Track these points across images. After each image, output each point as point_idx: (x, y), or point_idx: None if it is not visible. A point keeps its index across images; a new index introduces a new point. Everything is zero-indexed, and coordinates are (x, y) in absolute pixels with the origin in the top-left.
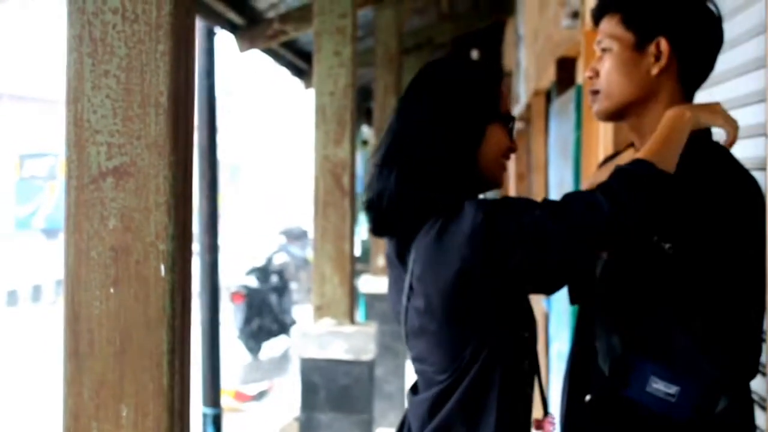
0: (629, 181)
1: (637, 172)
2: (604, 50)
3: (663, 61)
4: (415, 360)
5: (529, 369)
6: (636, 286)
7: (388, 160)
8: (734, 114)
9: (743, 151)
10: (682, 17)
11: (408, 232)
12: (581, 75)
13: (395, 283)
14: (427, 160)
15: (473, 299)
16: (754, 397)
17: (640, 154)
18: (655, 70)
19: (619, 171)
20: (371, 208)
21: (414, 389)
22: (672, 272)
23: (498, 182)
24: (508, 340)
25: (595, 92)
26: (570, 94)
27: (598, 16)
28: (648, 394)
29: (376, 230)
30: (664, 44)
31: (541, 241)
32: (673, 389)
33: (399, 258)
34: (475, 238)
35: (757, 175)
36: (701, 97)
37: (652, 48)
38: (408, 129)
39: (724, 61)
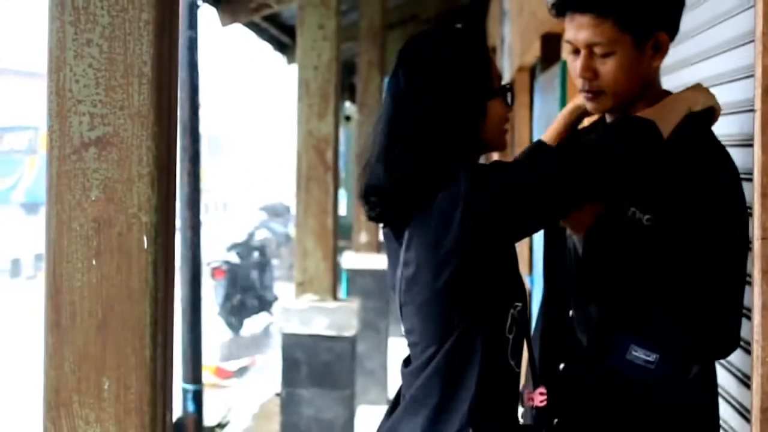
0: (630, 130)
1: (640, 124)
2: (603, 54)
3: (663, 51)
4: (407, 332)
5: (516, 340)
6: (615, 257)
7: (395, 144)
8: (723, 88)
9: (731, 127)
10: (671, 7)
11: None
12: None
13: (392, 257)
14: (436, 142)
15: (464, 269)
16: (738, 374)
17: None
18: (657, 62)
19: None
20: (377, 193)
21: (406, 362)
22: (650, 244)
23: (502, 146)
24: (498, 311)
25: (596, 92)
26: (554, 70)
27: (565, 9)
28: (628, 362)
29: (383, 216)
30: (663, 37)
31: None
32: (652, 357)
33: (396, 232)
34: (465, 200)
35: (745, 150)
36: (690, 72)
37: (650, 42)
38: (412, 110)
39: (713, 36)
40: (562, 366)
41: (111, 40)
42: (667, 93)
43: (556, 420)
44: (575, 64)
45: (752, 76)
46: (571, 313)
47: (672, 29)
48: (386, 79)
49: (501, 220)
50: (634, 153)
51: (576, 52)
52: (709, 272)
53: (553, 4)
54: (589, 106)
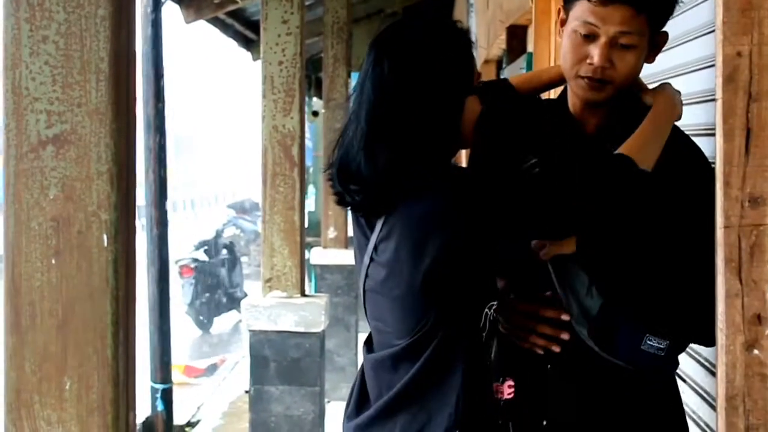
0: (611, 176)
1: (621, 169)
2: (624, 45)
3: (660, 49)
4: (372, 318)
5: (488, 339)
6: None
7: (379, 135)
8: (685, 78)
9: (695, 117)
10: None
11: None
12: (532, 42)
13: (361, 242)
14: (416, 137)
15: (444, 270)
16: (705, 363)
17: (628, 150)
18: (651, 59)
19: (604, 160)
20: (359, 182)
21: (369, 345)
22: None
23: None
24: (474, 310)
25: (605, 82)
26: (520, 62)
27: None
28: (642, 352)
29: (361, 205)
30: (664, 35)
31: (509, 216)
32: (663, 344)
33: (369, 220)
34: (453, 212)
35: (707, 139)
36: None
37: (655, 38)
38: (397, 103)
39: (675, 27)
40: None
41: (67, 36)
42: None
43: (545, 421)
44: (582, 50)
45: (713, 65)
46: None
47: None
48: (354, 73)
49: (480, 236)
50: (617, 203)
51: (588, 37)
52: (704, 258)
53: None
54: (589, 95)
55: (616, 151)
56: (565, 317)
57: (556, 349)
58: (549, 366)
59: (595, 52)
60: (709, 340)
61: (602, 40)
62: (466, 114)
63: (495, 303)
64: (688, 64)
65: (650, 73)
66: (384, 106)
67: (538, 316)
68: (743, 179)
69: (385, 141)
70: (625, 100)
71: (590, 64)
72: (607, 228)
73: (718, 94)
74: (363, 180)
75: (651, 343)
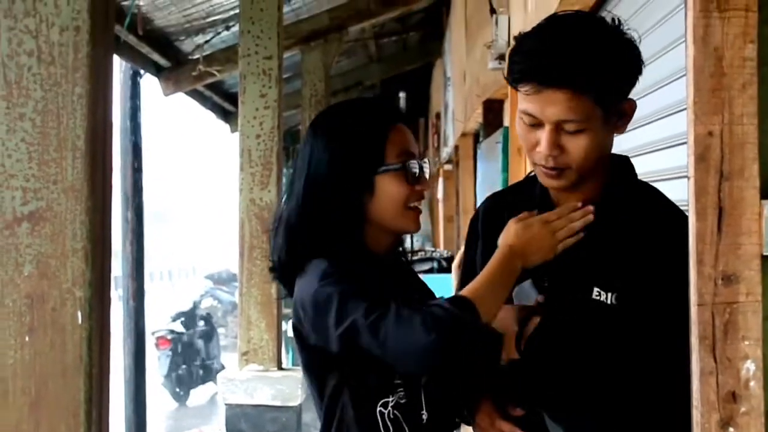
0: (448, 320)
1: (458, 314)
2: (570, 132)
3: (629, 118)
4: None
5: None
6: (580, 349)
7: (281, 216)
8: (659, 155)
9: (668, 193)
10: (638, 75)
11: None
12: (508, 116)
13: None
14: (318, 213)
15: (314, 357)
16: None
17: (470, 293)
18: (622, 130)
19: (443, 305)
20: (273, 255)
21: None
22: (618, 326)
23: (407, 230)
24: (362, 407)
25: (561, 169)
26: (497, 136)
27: (533, 81)
28: None
29: (279, 276)
30: (629, 105)
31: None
32: None
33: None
34: (302, 307)
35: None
36: (626, 138)
37: (616, 111)
38: (296, 181)
39: (648, 104)
40: None
41: (44, 114)
42: (614, 156)
43: None
44: (531, 136)
45: (685, 143)
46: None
47: (631, 95)
48: None
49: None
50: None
51: (535, 125)
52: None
53: (518, 73)
54: (548, 182)
55: (462, 293)
56: None
57: None
58: None
59: (542, 140)
60: None
61: (546, 128)
62: (383, 195)
63: (391, 399)
64: (660, 141)
65: (623, 150)
66: (297, 180)
67: None
68: (716, 257)
69: (293, 215)
70: (614, 172)
71: (539, 152)
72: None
73: (690, 173)
74: (276, 254)
75: None
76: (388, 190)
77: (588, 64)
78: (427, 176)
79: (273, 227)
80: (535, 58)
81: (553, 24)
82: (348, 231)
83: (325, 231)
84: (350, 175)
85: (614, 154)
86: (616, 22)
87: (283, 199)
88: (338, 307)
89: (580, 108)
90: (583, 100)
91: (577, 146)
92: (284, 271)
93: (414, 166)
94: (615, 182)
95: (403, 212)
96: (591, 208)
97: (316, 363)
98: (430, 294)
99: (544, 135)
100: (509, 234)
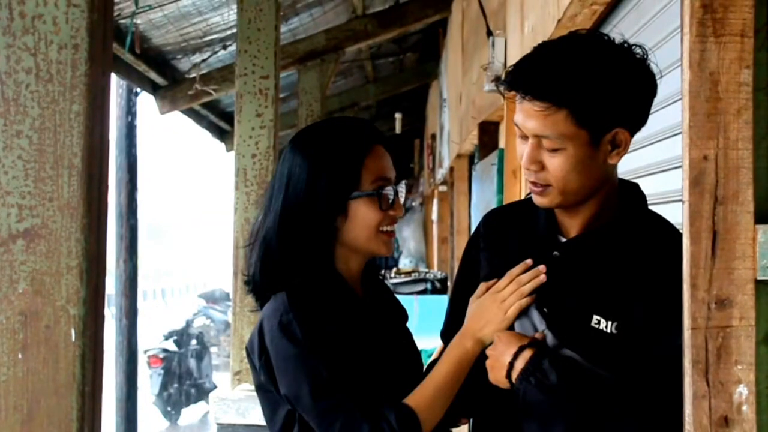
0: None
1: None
2: (552, 149)
3: (623, 149)
4: None
5: None
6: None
7: (258, 232)
8: (654, 178)
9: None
10: (635, 102)
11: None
12: (503, 138)
13: None
14: (288, 234)
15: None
16: None
17: (414, 402)
18: (614, 160)
19: (392, 424)
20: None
21: None
22: (619, 354)
23: (378, 253)
24: None
25: (543, 186)
26: (492, 158)
27: (515, 90)
28: None
29: (254, 293)
30: (623, 135)
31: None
32: None
33: None
34: (258, 341)
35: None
36: (621, 161)
37: (608, 137)
38: (274, 198)
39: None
40: None
41: (41, 131)
42: (624, 182)
43: None
44: (521, 149)
45: (680, 167)
46: None
47: (635, 125)
48: None
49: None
50: None
51: (523, 137)
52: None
53: (506, 81)
54: (535, 199)
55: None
56: None
57: None
58: None
59: (524, 152)
60: None
61: (529, 141)
62: (356, 219)
63: None
64: (654, 164)
65: (623, 171)
66: (276, 197)
67: None
68: (710, 281)
69: (270, 232)
70: (621, 199)
71: (522, 164)
72: None
73: (685, 197)
74: (251, 270)
75: None
76: (361, 214)
77: (565, 78)
78: (401, 201)
79: (250, 242)
80: (520, 68)
81: (558, 39)
82: (319, 253)
83: (298, 252)
84: (325, 198)
85: (625, 181)
86: (626, 45)
87: (260, 216)
88: (293, 372)
89: (558, 125)
90: (560, 117)
91: (554, 165)
92: (257, 289)
93: (389, 191)
94: (621, 210)
95: (375, 236)
96: (543, 268)
97: (266, 388)
98: (401, 312)
99: (525, 148)
100: (461, 336)
